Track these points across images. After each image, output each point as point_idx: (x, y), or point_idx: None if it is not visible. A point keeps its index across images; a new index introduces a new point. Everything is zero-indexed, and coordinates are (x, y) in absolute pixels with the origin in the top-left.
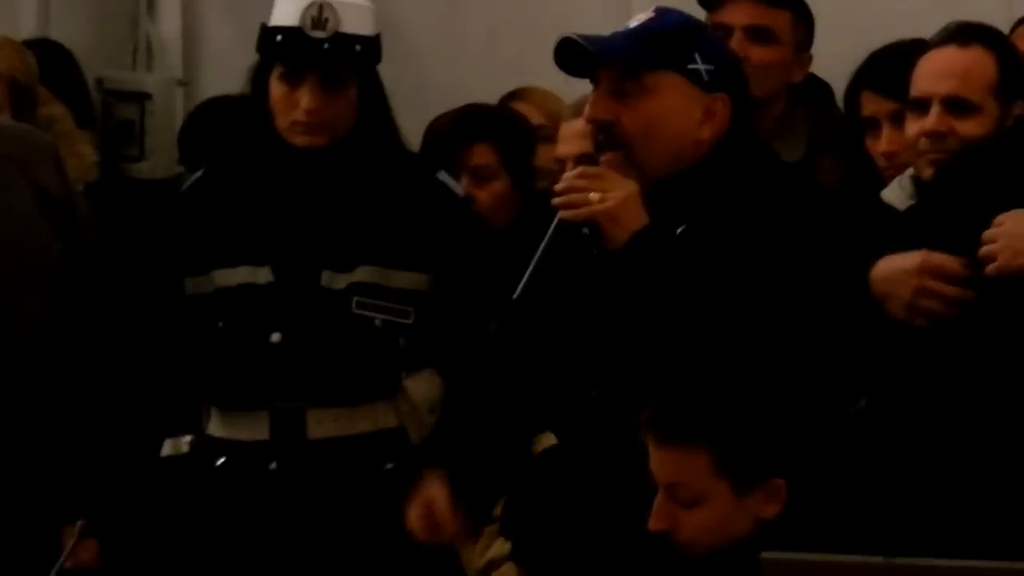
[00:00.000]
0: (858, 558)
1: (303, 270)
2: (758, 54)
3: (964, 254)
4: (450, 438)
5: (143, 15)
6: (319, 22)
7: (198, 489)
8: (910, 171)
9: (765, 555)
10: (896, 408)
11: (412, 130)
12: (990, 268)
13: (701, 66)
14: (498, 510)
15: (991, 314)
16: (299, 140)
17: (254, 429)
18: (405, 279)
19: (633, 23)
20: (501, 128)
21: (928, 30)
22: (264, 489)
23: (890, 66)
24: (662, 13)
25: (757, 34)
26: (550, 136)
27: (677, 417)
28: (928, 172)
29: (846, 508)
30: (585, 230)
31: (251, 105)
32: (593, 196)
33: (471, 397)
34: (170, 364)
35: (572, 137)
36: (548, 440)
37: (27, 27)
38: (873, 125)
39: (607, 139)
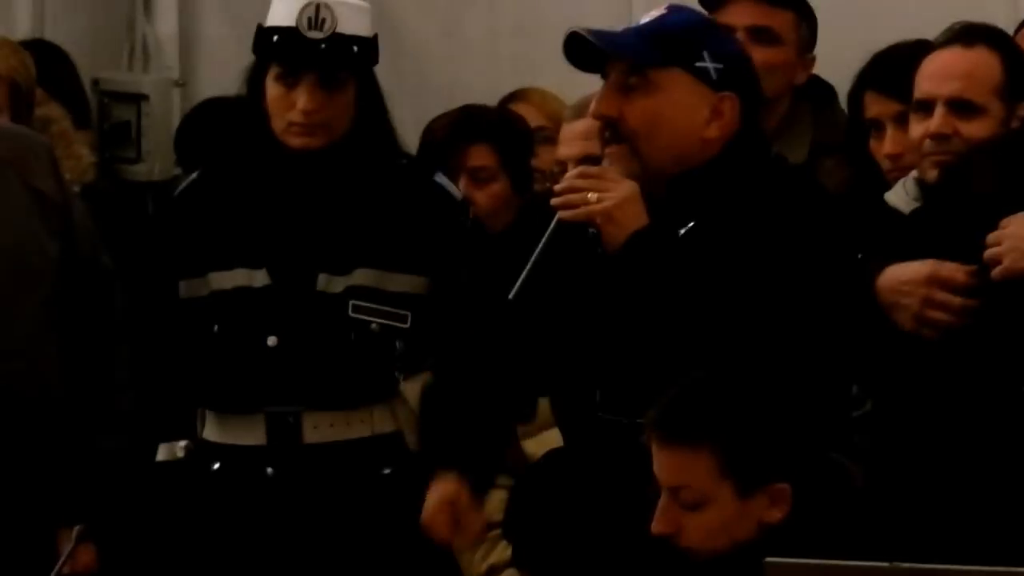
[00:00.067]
0: (863, 564)
1: (299, 273)
2: (761, 55)
3: (969, 258)
4: (455, 435)
5: (139, 15)
6: (316, 22)
7: (194, 494)
8: (914, 173)
9: (769, 560)
10: (901, 412)
11: (412, 130)
12: (996, 271)
13: (709, 64)
14: (500, 515)
15: (997, 319)
16: (295, 141)
17: (250, 433)
18: (402, 282)
19: (644, 19)
20: (499, 129)
21: (932, 31)
22: (260, 494)
23: (894, 67)
24: (674, 10)
25: (759, 35)
26: (551, 138)
27: (681, 418)
28: (932, 174)
29: (851, 513)
30: (592, 230)
31: (247, 106)
32: (591, 196)
33: (466, 390)
34: (165, 368)
35: (573, 139)
36: (550, 442)
37: (23, 28)
38: (877, 127)
39: (612, 134)
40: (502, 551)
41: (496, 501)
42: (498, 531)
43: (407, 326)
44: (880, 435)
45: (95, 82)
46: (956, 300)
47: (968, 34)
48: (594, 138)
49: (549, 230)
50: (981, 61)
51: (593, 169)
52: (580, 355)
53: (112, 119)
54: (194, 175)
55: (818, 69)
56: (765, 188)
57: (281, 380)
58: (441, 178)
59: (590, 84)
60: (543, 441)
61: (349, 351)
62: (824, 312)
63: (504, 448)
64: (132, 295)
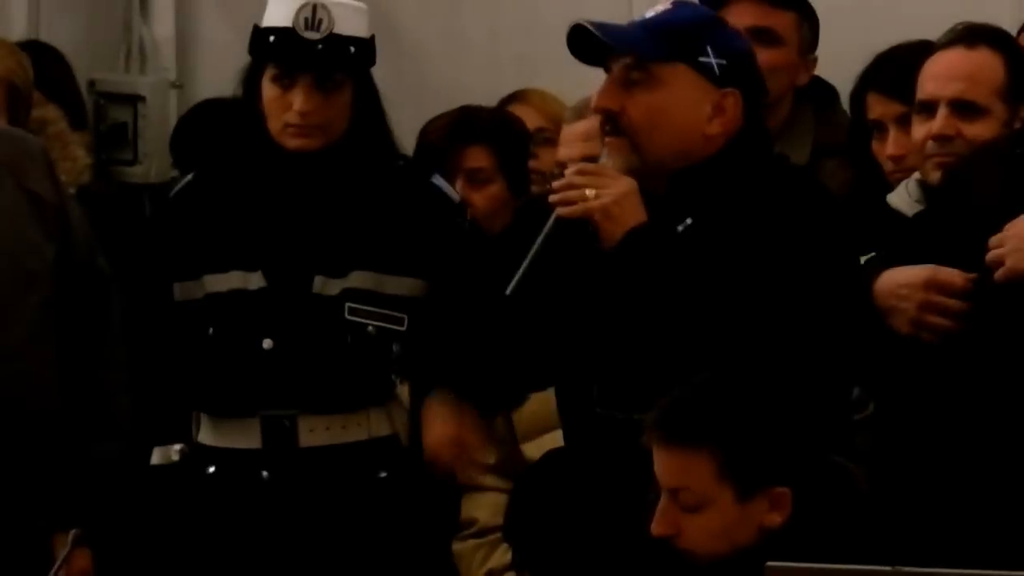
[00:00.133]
0: (865, 568)
1: (295, 276)
2: (762, 56)
3: (972, 260)
4: (452, 363)
5: (136, 16)
6: (312, 23)
7: (190, 498)
8: (917, 175)
9: (771, 564)
10: (903, 415)
11: (411, 132)
12: (999, 273)
13: (713, 60)
14: (499, 518)
15: (999, 323)
16: (292, 143)
17: (245, 437)
18: (399, 285)
19: (649, 13)
20: (496, 131)
21: (935, 31)
22: (256, 498)
23: (897, 68)
24: (679, 5)
25: (761, 36)
26: (551, 139)
27: (682, 419)
28: (935, 176)
29: (854, 517)
30: (592, 228)
31: (243, 107)
32: (589, 192)
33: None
34: (160, 371)
35: (573, 140)
36: (549, 447)
37: (19, 29)
38: (880, 128)
39: (613, 127)
40: (501, 555)
41: (495, 504)
42: (497, 535)
43: (404, 329)
44: (882, 438)
45: (91, 83)
46: (954, 304)
47: (971, 35)
48: (595, 139)
49: (547, 226)
50: (984, 62)
51: (591, 166)
52: (577, 351)
53: (108, 121)
54: (189, 177)
55: (820, 70)
56: (766, 186)
57: (277, 383)
58: (438, 180)
59: (590, 85)
60: (542, 445)
61: (345, 354)
62: (823, 311)
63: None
64: (128, 298)
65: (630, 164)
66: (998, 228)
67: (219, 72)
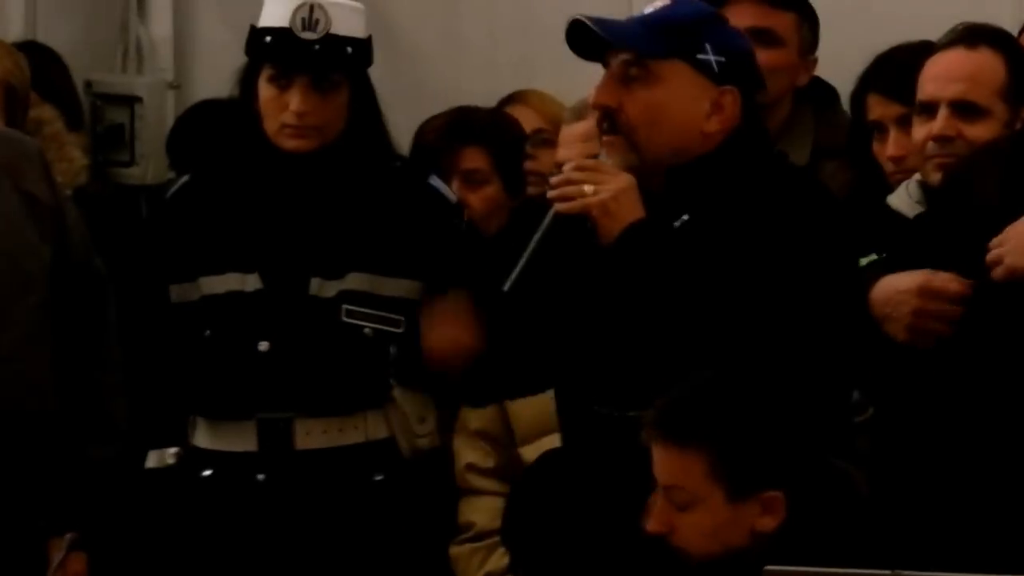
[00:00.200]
0: (865, 572)
1: (292, 277)
2: (762, 56)
3: (973, 261)
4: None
5: (133, 17)
6: (309, 23)
7: (185, 501)
8: (917, 176)
9: (769, 568)
10: (902, 418)
11: (409, 132)
12: (997, 271)
13: (711, 57)
14: (496, 522)
15: (998, 326)
16: (288, 143)
17: (241, 440)
18: (396, 287)
19: (648, 9)
20: (492, 132)
21: (936, 32)
22: (252, 501)
23: (897, 69)
24: (679, 2)
25: (761, 36)
26: (549, 140)
27: (677, 417)
28: (935, 177)
29: (854, 520)
30: (590, 224)
31: (239, 108)
32: (587, 189)
33: None
34: (156, 373)
35: (572, 141)
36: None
37: (15, 29)
38: (880, 129)
39: (610, 125)
40: (498, 559)
41: (492, 508)
42: (494, 539)
43: (401, 331)
44: (882, 441)
45: (88, 84)
46: (949, 310)
47: (971, 35)
48: (593, 140)
49: (545, 222)
50: (984, 63)
51: (590, 162)
52: (574, 347)
53: (105, 121)
54: (185, 178)
55: (820, 71)
56: (764, 183)
57: (273, 386)
58: (436, 181)
59: (589, 86)
60: (541, 448)
61: (342, 356)
62: (821, 311)
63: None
64: (124, 299)
65: (628, 163)
66: (998, 229)
67: (216, 73)
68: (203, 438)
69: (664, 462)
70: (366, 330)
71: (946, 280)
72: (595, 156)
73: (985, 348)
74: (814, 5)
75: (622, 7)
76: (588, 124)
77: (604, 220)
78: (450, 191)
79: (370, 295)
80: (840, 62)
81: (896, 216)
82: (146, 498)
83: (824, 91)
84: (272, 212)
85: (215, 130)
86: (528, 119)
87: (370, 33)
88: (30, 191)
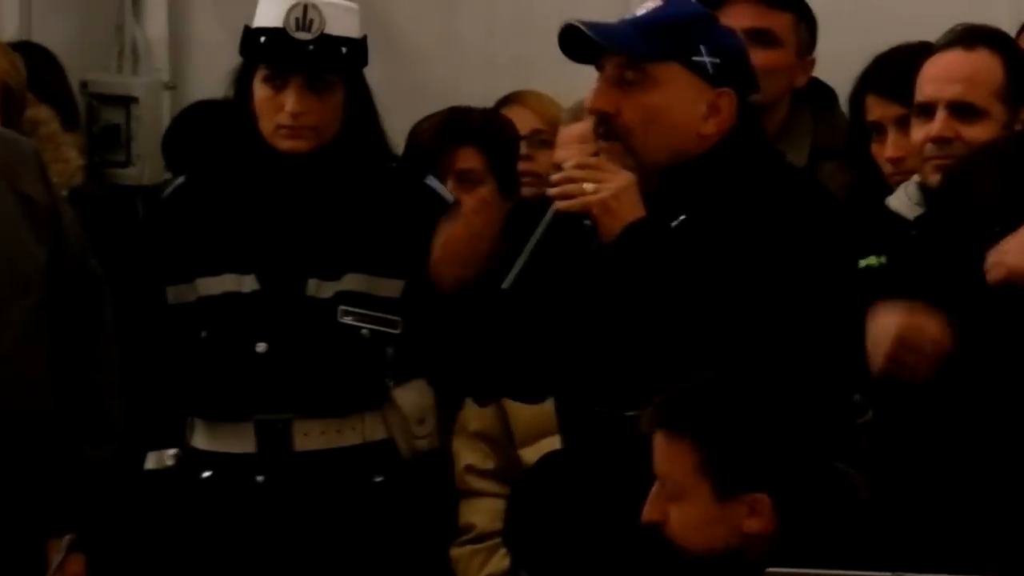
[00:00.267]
0: (866, 574)
1: (289, 278)
2: (760, 57)
3: (972, 262)
4: None
5: (129, 17)
6: (303, 23)
7: (184, 502)
8: (916, 178)
9: (771, 570)
10: (901, 420)
11: (407, 133)
12: (997, 272)
13: (706, 59)
14: (497, 524)
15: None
16: (284, 144)
17: (240, 441)
18: (393, 287)
19: (641, 11)
20: (486, 132)
21: (934, 32)
22: (251, 503)
23: (896, 70)
24: (671, 2)
25: (759, 37)
26: (547, 141)
27: (674, 407)
28: (934, 178)
29: (854, 523)
30: (587, 222)
31: (235, 108)
32: (588, 187)
33: None
34: (154, 375)
35: (570, 142)
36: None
37: (10, 29)
38: (879, 130)
39: (607, 130)
40: (499, 560)
41: (492, 510)
42: (495, 540)
43: (398, 332)
44: (881, 443)
45: (84, 84)
46: (922, 360)
47: (969, 36)
48: (591, 141)
49: (545, 220)
50: (982, 64)
51: (590, 160)
52: (572, 346)
53: (101, 122)
54: (181, 179)
55: (818, 71)
56: (761, 183)
57: (271, 387)
58: (432, 181)
59: (587, 87)
60: (540, 449)
61: (339, 357)
62: (821, 312)
63: None
64: (120, 301)
65: (625, 167)
66: (998, 229)
67: (212, 73)
68: (201, 440)
69: (659, 450)
70: (363, 331)
71: (924, 327)
72: (594, 155)
73: (983, 351)
74: (812, 6)
75: (619, 7)
76: (586, 125)
77: (604, 218)
78: (447, 192)
79: (367, 296)
80: (838, 63)
81: (895, 217)
82: (145, 499)
83: (822, 92)
84: (269, 213)
85: (211, 131)
86: (526, 120)
87: (365, 33)
88: (26, 192)
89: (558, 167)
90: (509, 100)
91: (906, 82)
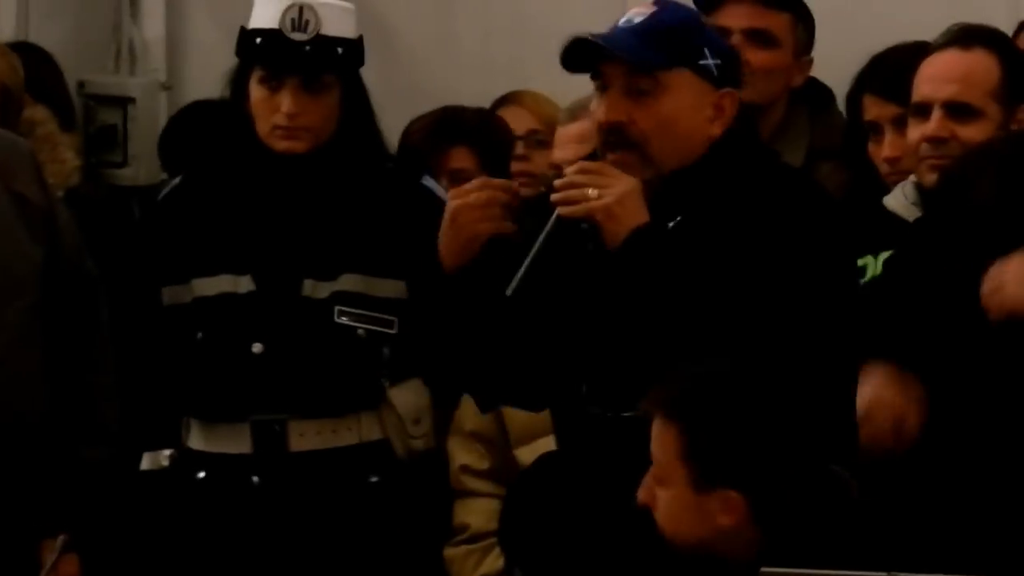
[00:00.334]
0: (861, 573)
1: (285, 279)
2: (757, 57)
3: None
4: None
5: (125, 18)
6: (299, 24)
7: (180, 503)
8: (913, 177)
9: (766, 570)
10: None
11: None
12: (996, 311)
13: (711, 61)
14: (492, 523)
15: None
16: (280, 145)
17: (235, 442)
18: (389, 288)
19: (637, 18)
20: (479, 132)
21: (931, 32)
22: (246, 503)
23: (893, 70)
24: (664, 8)
25: (756, 37)
26: (544, 141)
27: (671, 391)
28: (930, 178)
29: (848, 523)
30: (584, 225)
31: (231, 109)
32: (591, 192)
33: None
34: (149, 375)
35: (568, 142)
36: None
37: (7, 30)
38: (876, 130)
39: (618, 140)
40: (493, 561)
41: (487, 510)
42: (489, 540)
43: (394, 332)
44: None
45: (80, 85)
46: (889, 427)
47: (966, 36)
48: (589, 141)
49: (548, 225)
50: (978, 63)
51: (593, 164)
52: (570, 349)
53: (98, 122)
54: (177, 180)
55: (815, 71)
56: (758, 183)
57: (267, 387)
58: (428, 181)
59: (584, 87)
60: (536, 449)
61: (335, 358)
62: (821, 312)
63: None
64: (116, 301)
65: (643, 177)
66: (996, 230)
67: (209, 73)
68: (197, 440)
69: (654, 432)
70: (359, 331)
71: (890, 403)
72: (592, 154)
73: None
74: (809, 6)
75: (615, 9)
76: (584, 124)
77: (609, 224)
78: (443, 192)
79: (363, 296)
80: (835, 63)
81: (892, 217)
82: (141, 500)
83: (819, 92)
84: (265, 213)
85: (207, 131)
86: (522, 120)
87: (361, 33)
88: (21, 192)
89: (556, 167)
90: (505, 100)
91: (903, 82)
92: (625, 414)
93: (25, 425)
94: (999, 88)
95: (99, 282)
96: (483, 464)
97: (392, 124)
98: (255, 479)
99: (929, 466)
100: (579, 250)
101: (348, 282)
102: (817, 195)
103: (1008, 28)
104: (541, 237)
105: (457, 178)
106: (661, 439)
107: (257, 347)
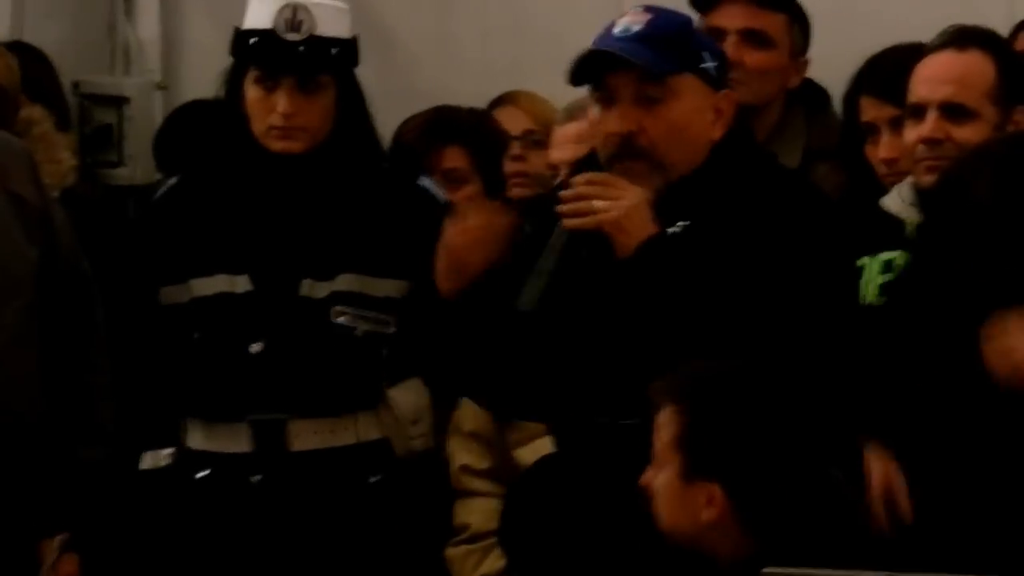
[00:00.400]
0: (860, 572)
1: (282, 279)
2: (753, 58)
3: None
4: None
5: (121, 18)
6: (293, 24)
7: (179, 503)
8: (910, 178)
9: (767, 570)
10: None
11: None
12: (1009, 380)
13: (710, 64)
14: (493, 524)
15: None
16: (276, 145)
17: (235, 441)
18: (387, 287)
19: (635, 26)
20: (472, 131)
21: (928, 34)
22: (246, 502)
23: (889, 71)
24: (659, 13)
25: (752, 38)
26: (540, 141)
27: (680, 377)
28: (926, 179)
29: (849, 522)
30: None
31: (226, 109)
32: (599, 204)
33: None
34: (147, 375)
35: (565, 142)
36: (543, 451)
37: (2, 30)
38: (872, 131)
39: (627, 150)
40: (494, 561)
41: (487, 510)
42: (490, 540)
43: (392, 332)
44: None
45: (76, 85)
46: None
47: (961, 37)
48: (586, 141)
49: (558, 239)
50: (974, 65)
51: (600, 176)
52: (581, 359)
53: (93, 122)
54: (173, 180)
55: (812, 72)
56: (756, 184)
57: (265, 387)
58: (425, 181)
59: (581, 88)
60: (536, 450)
61: (334, 357)
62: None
63: None
64: (113, 302)
65: (653, 186)
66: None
67: (204, 73)
68: (197, 440)
69: (660, 415)
70: (357, 331)
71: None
72: (590, 155)
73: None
74: (805, 7)
75: (611, 11)
76: (581, 125)
77: (619, 236)
78: (440, 191)
79: (361, 296)
80: (832, 64)
81: (889, 218)
82: (140, 500)
83: (816, 93)
84: (262, 213)
85: (203, 131)
86: (518, 120)
87: (356, 33)
88: (17, 192)
89: (553, 167)
90: (501, 101)
91: (900, 83)
92: (627, 422)
93: (22, 425)
94: (995, 89)
95: (95, 283)
96: (483, 464)
97: (391, 124)
98: (254, 478)
99: (931, 466)
100: (590, 260)
101: (346, 282)
102: (814, 197)
103: (1005, 29)
104: (553, 254)
105: (450, 177)
106: (664, 423)
107: (255, 347)
